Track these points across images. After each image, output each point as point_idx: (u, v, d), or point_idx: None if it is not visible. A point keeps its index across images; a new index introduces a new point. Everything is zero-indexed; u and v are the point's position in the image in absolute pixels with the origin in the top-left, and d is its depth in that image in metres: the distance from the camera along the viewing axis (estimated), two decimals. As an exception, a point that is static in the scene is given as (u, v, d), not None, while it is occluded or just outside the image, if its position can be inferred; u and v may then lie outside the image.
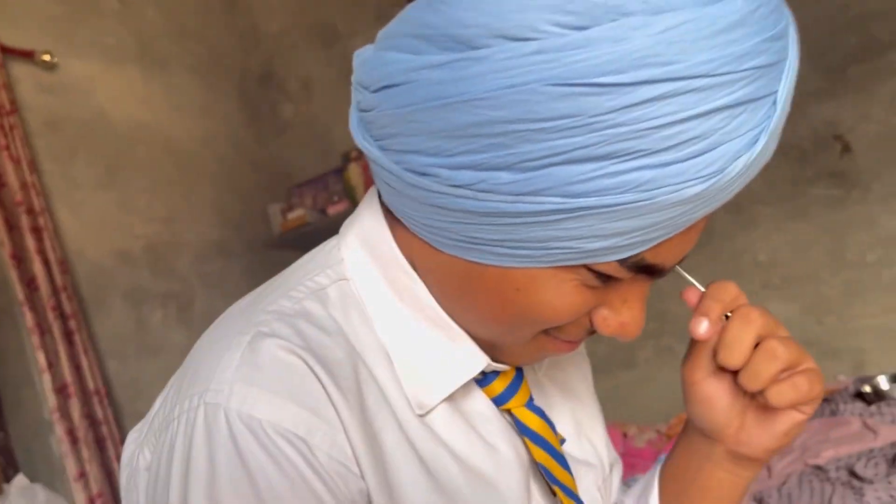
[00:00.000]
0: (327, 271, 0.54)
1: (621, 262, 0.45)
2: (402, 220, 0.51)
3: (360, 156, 3.20)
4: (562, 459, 0.58)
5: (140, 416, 1.91)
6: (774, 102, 0.41)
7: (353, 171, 3.20)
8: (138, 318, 2.47)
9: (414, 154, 0.44)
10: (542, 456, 0.57)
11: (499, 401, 0.57)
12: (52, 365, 2.05)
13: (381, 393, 0.50)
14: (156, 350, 2.48)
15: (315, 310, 0.51)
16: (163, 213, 2.70)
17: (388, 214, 0.54)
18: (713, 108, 0.39)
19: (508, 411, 0.58)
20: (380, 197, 0.56)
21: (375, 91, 0.45)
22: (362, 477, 0.47)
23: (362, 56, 0.48)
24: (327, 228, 3.35)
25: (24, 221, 2.09)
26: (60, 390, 2.05)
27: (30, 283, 2.07)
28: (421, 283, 0.53)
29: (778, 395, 0.50)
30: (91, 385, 2.13)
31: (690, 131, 0.39)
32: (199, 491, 0.43)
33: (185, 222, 2.78)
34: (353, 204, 3.17)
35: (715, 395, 0.56)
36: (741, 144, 0.40)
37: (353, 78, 0.49)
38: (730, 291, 0.52)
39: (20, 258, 2.07)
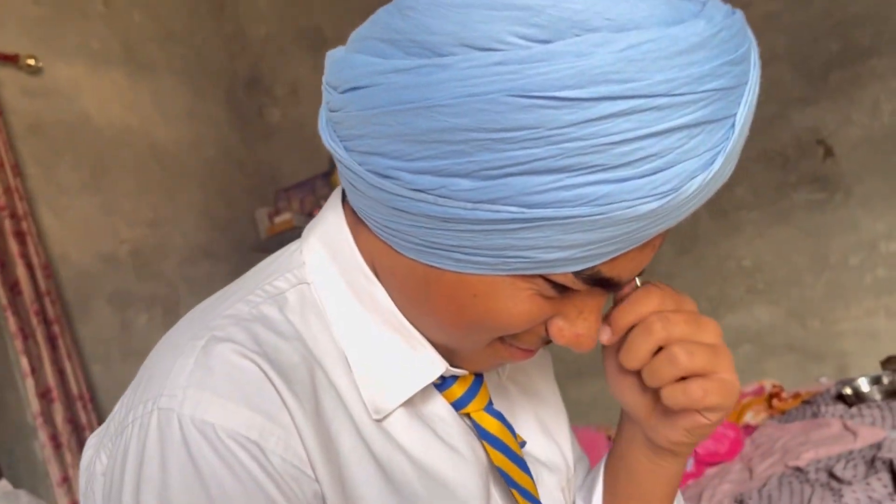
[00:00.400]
0: (287, 275, 0.54)
1: (577, 273, 0.45)
2: (364, 221, 0.51)
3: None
4: (521, 462, 0.58)
5: None
6: (733, 125, 0.42)
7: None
8: (123, 322, 2.46)
9: (377, 156, 0.44)
10: (500, 459, 0.57)
11: (458, 405, 0.57)
12: (35, 370, 2.04)
13: (339, 397, 0.50)
14: (141, 353, 2.44)
15: (272, 314, 0.51)
16: (149, 216, 2.69)
17: (352, 216, 0.54)
18: (671, 127, 0.39)
19: (468, 415, 0.58)
20: (343, 199, 0.56)
21: (343, 92, 0.46)
22: (317, 480, 0.47)
23: (333, 56, 0.48)
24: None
25: (8, 225, 2.08)
26: (44, 395, 2.04)
27: (13, 288, 2.06)
28: (381, 287, 0.53)
29: (670, 396, 0.52)
30: (75, 390, 2.12)
31: (648, 149, 0.39)
32: (151, 496, 0.43)
33: (171, 226, 2.77)
34: (340, 208, 3.17)
35: (626, 386, 0.58)
36: (698, 164, 0.41)
37: (324, 78, 0.49)
38: (650, 301, 0.52)
39: (3, 262, 2.06)
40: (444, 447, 0.55)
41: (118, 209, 2.56)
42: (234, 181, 3.19)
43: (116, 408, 0.50)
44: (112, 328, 2.42)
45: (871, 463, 1.34)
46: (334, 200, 0.57)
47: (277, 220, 3.19)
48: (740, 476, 1.68)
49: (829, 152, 2.50)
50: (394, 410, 0.53)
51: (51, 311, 2.12)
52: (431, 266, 0.47)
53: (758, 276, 2.63)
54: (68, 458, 2.03)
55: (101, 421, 2.21)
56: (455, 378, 0.57)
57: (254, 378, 0.46)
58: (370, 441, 0.51)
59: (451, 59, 0.40)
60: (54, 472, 2.01)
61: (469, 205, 0.42)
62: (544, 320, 0.50)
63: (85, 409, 2.13)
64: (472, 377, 0.58)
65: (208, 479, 0.43)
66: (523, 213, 0.41)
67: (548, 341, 0.52)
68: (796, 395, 1.96)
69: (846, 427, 1.59)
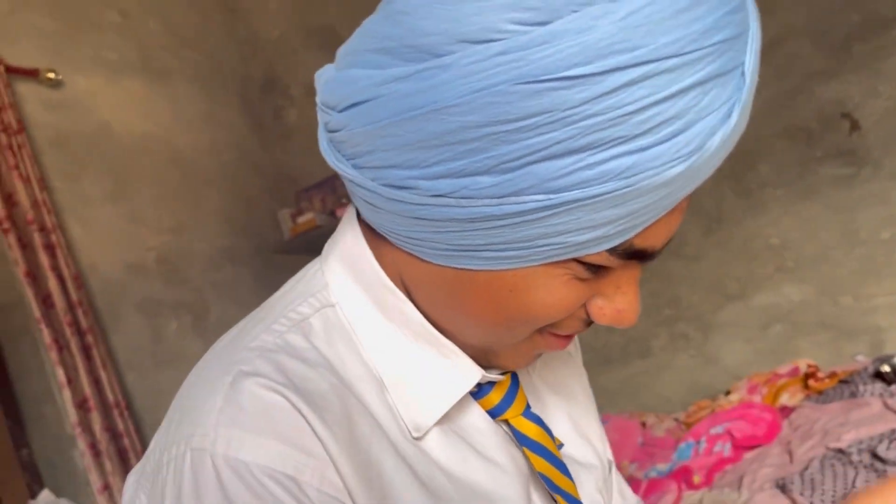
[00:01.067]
0: (310, 299, 0.53)
1: (610, 251, 0.44)
2: (385, 236, 0.50)
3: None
4: (562, 466, 0.58)
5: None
6: (743, 74, 0.41)
7: (360, 173, 3.20)
8: (154, 329, 2.48)
9: (390, 169, 0.44)
10: (542, 465, 0.56)
11: (495, 412, 0.56)
12: (72, 380, 2.07)
13: (374, 420, 0.49)
14: (172, 361, 2.49)
15: (298, 342, 0.50)
16: (172, 223, 2.71)
17: (369, 232, 0.53)
18: (684, 87, 0.39)
19: (505, 422, 0.57)
20: (358, 216, 0.55)
21: (343, 110, 0.45)
22: None
23: (324, 76, 0.47)
24: (337, 231, 3.37)
25: (37, 239, 2.11)
26: (81, 405, 2.07)
27: (45, 301, 2.09)
28: (407, 300, 0.52)
29: None
30: (111, 398, 2.14)
31: (665, 113, 0.39)
32: None
33: (194, 231, 2.79)
34: (362, 205, 3.17)
35: None
36: (716, 120, 0.40)
37: (318, 99, 0.48)
38: None
39: (34, 276, 2.09)
40: (481, 461, 0.54)
41: (142, 217, 2.58)
42: (254, 184, 3.21)
43: (152, 445, 0.50)
44: (143, 336, 2.44)
45: (917, 442, 1.32)
46: (349, 219, 0.56)
47: (300, 220, 3.20)
48: (780, 460, 1.67)
49: (855, 125, 2.45)
50: (432, 427, 0.52)
51: (83, 322, 2.15)
52: (462, 269, 0.47)
53: (786, 254, 2.59)
54: (108, 465, 2.06)
55: (137, 428, 2.24)
56: (491, 385, 0.56)
57: (283, 411, 0.45)
58: (411, 461, 0.50)
59: (451, 57, 0.39)
60: (95, 480, 2.03)
61: (493, 201, 0.42)
62: (583, 303, 0.49)
63: (122, 417, 2.15)
64: (509, 383, 0.57)
65: None
66: (550, 199, 0.41)
67: (590, 323, 0.51)
68: (833, 375, 1.93)
69: (886, 406, 1.57)
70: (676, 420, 2.43)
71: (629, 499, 0.73)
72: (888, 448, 1.35)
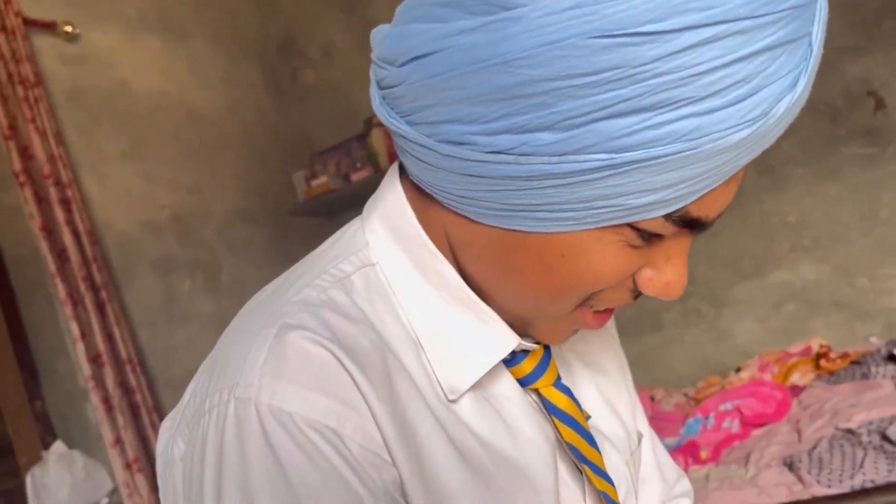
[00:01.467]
0: (351, 258, 0.53)
1: (666, 217, 0.44)
2: (434, 195, 0.50)
3: (383, 122, 3.17)
4: (590, 437, 0.58)
5: (173, 384, 1.97)
6: (810, 44, 0.41)
7: (376, 137, 3.19)
8: (167, 288, 2.50)
9: (448, 123, 0.43)
10: (570, 435, 0.56)
11: (526, 381, 0.56)
12: (86, 335, 2.09)
13: (411, 380, 0.50)
14: (185, 319, 2.51)
15: (340, 299, 0.50)
16: (187, 182, 2.71)
17: (414, 192, 0.53)
18: (755, 51, 0.38)
19: (535, 391, 0.57)
20: (401, 175, 0.55)
21: (402, 65, 0.44)
22: (395, 465, 0.47)
23: (381, 33, 0.47)
24: (351, 195, 3.36)
25: (53, 194, 2.11)
26: (94, 359, 2.09)
27: (60, 255, 2.10)
28: (447, 262, 0.52)
29: None
30: (123, 354, 2.16)
31: (734, 75, 0.38)
32: (232, 484, 0.43)
33: (209, 191, 2.79)
34: (376, 170, 3.17)
35: None
36: (783, 87, 0.40)
37: (374, 56, 0.48)
38: None
39: (50, 230, 2.10)
40: (511, 429, 0.54)
41: (158, 176, 2.59)
42: (270, 145, 3.20)
43: (189, 394, 0.50)
44: (156, 295, 2.46)
45: (929, 425, 1.32)
46: (391, 178, 0.56)
47: (314, 183, 3.20)
48: (788, 438, 1.67)
49: (880, 104, 2.41)
50: (466, 391, 0.52)
51: (98, 278, 2.16)
52: (514, 230, 0.46)
53: (804, 232, 2.57)
54: (120, 420, 2.09)
55: (150, 384, 2.26)
56: (524, 354, 0.56)
57: (328, 365, 0.45)
58: (445, 423, 0.50)
59: (522, 10, 0.38)
60: (107, 434, 2.06)
61: (553, 159, 0.41)
62: (632, 273, 0.49)
63: (134, 373, 2.17)
64: (542, 352, 0.57)
65: (288, 468, 0.43)
66: (612, 158, 0.40)
67: (637, 295, 0.51)
68: (845, 356, 1.92)
69: (899, 388, 1.56)
70: (686, 395, 2.43)
71: (667, 470, 0.72)
72: (899, 430, 1.35)
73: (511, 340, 0.53)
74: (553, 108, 0.39)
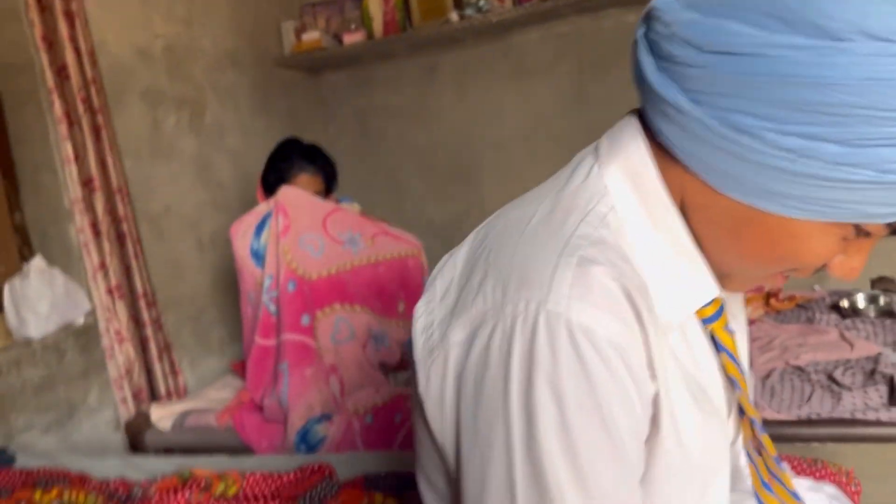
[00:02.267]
0: (603, 200, 0.60)
1: (888, 224, 0.53)
2: (682, 160, 0.57)
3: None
4: (745, 374, 0.71)
5: (149, 216, 2.04)
6: None
7: (373, 2, 3.11)
8: (153, 121, 2.46)
9: (741, 114, 0.50)
10: (733, 370, 0.69)
11: (709, 320, 0.67)
12: (79, 157, 2.05)
13: (652, 312, 0.59)
14: (168, 155, 2.49)
15: (609, 239, 0.58)
16: (182, 13, 2.61)
17: (657, 149, 0.60)
18: None
19: (711, 331, 0.68)
20: (644, 131, 0.61)
21: (709, 52, 0.50)
22: (654, 380, 0.58)
23: (687, 17, 0.52)
24: (338, 57, 3.29)
25: (58, 4, 2.01)
26: (86, 183, 2.07)
27: (60, 72, 2.03)
28: (679, 217, 0.60)
29: None
30: (115, 182, 2.14)
31: None
32: (543, 380, 0.52)
33: (201, 27, 2.70)
34: (370, 35, 3.11)
35: None
36: None
37: (677, 33, 0.52)
38: None
39: (52, 42, 2.01)
40: (698, 361, 0.66)
41: (154, 1, 2.48)
42: (261, -14, 3.08)
43: (470, 294, 0.58)
44: (143, 126, 2.41)
45: (871, 374, 1.52)
46: (633, 132, 0.62)
47: (305, 37, 3.12)
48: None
49: None
50: (677, 325, 0.62)
51: (96, 101, 2.10)
52: (757, 208, 0.54)
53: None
54: (107, 246, 2.10)
55: (135, 214, 2.25)
56: (712, 300, 0.66)
57: (620, 297, 0.54)
58: (672, 348, 0.62)
59: (850, 44, 0.45)
60: (93, 258, 2.07)
61: (830, 165, 0.49)
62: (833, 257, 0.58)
63: (123, 203, 2.17)
64: (721, 300, 0.68)
65: (591, 371, 0.52)
66: (879, 177, 0.48)
67: (817, 271, 0.61)
68: (791, 298, 2.13)
69: (843, 337, 1.76)
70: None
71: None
72: (843, 374, 1.55)
73: (714, 289, 0.63)
74: (850, 128, 0.47)
